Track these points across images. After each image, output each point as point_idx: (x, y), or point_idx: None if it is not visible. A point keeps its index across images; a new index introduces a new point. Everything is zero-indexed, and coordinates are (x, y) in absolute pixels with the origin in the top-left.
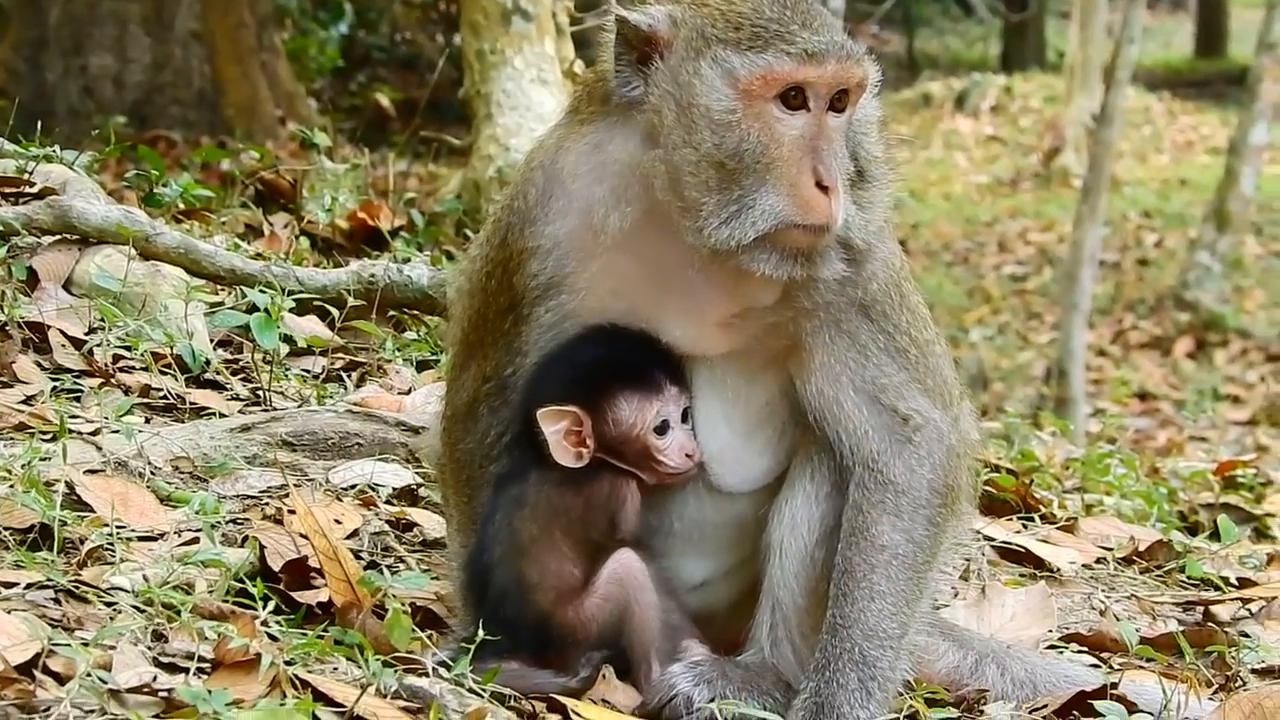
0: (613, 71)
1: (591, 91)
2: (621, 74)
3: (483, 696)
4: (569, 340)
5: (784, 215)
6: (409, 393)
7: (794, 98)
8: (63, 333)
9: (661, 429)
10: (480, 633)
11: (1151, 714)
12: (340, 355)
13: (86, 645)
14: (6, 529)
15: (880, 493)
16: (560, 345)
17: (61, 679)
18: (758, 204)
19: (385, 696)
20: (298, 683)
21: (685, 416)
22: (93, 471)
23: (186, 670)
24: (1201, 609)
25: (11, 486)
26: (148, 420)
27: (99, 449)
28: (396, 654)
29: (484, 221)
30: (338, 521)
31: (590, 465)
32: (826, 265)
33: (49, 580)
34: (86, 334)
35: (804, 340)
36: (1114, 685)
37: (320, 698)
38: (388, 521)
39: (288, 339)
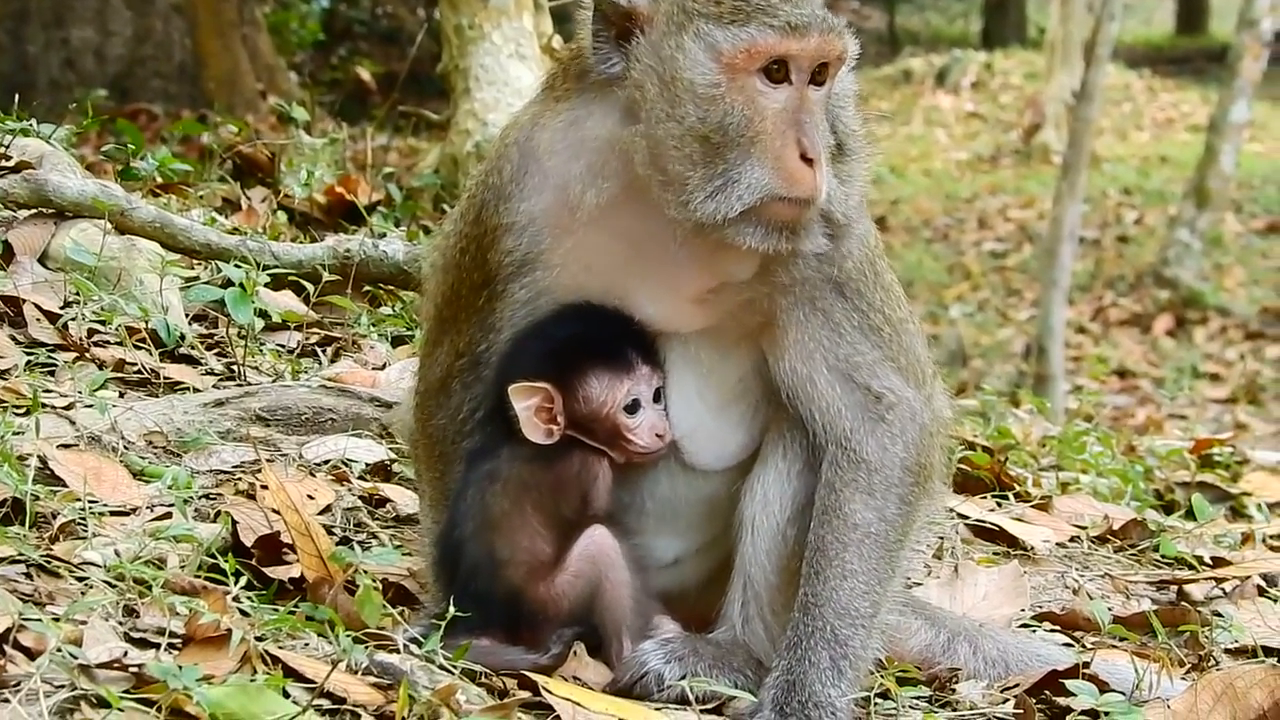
0: (590, 48)
1: (568, 68)
2: (600, 51)
3: (453, 673)
4: (543, 317)
5: (769, 188)
6: (383, 368)
7: (776, 71)
8: (37, 306)
9: (632, 408)
10: (451, 609)
11: (1123, 693)
12: (315, 330)
13: (57, 620)
14: None
15: (853, 471)
16: (534, 322)
17: (32, 654)
18: (743, 177)
19: (356, 672)
20: (268, 658)
21: (657, 396)
22: (66, 446)
23: (157, 646)
24: (1175, 588)
25: None
26: (122, 395)
27: (72, 423)
28: (367, 630)
29: (459, 197)
30: (310, 497)
31: (561, 443)
32: (810, 238)
33: (20, 555)
34: (61, 308)
35: (778, 317)
36: (1086, 664)
37: (291, 673)
38: (360, 497)
39: (263, 314)
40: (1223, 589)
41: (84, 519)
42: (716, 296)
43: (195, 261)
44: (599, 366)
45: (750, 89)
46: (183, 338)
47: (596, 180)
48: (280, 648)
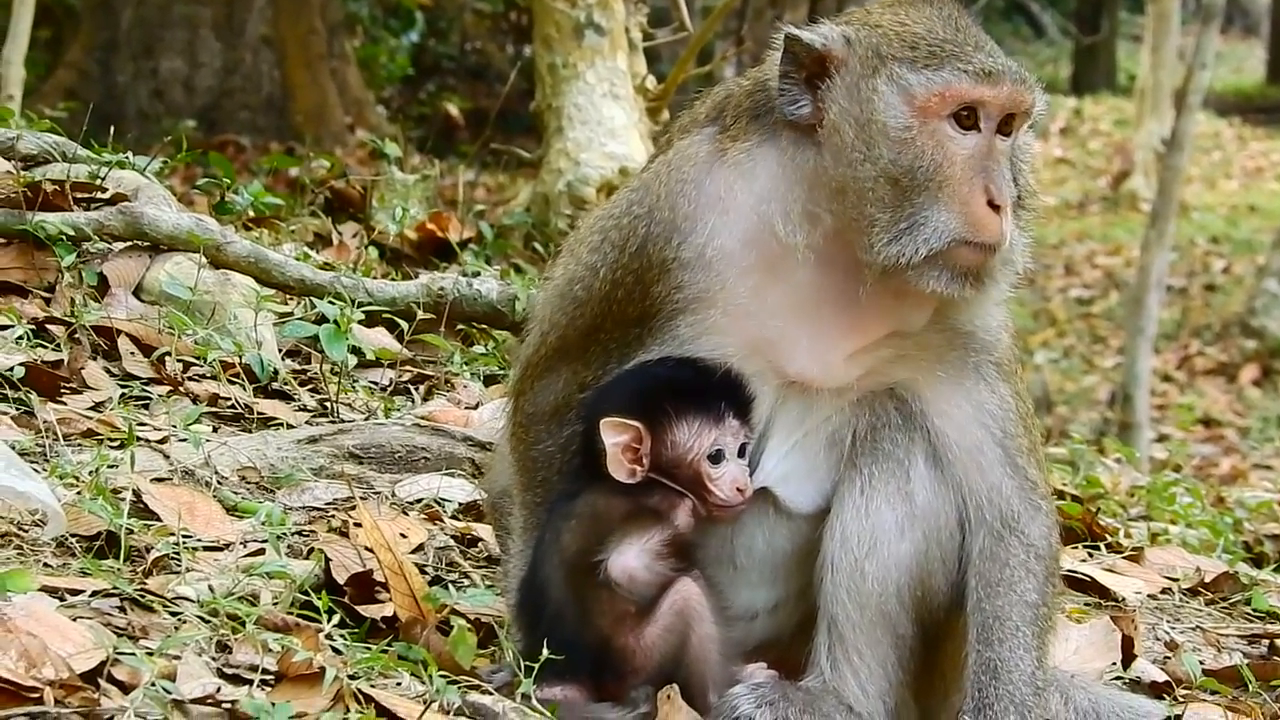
0: (778, 89)
1: (740, 104)
2: (788, 93)
3: (547, 716)
4: (646, 359)
5: (955, 232)
6: (476, 407)
7: (966, 117)
8: (132, 339)
9: (716, 458)
10: (544, 651)
11: None
12: (408, 368)
13: (151, 655)
14: (74, 536)
15: (1022, 552)
16: (635, 363)
17: (126, 688)
18: (930, 221)
19: (448, 713)
20: (361, 697)
21: (742, 451)
22: (160, 480)
23: (250, 682)
24: (1267, 642)
25: (79, 493)
26: (215, 429)
27: (166, 457)
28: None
29: (586, 232)
30: (403, 535)
31: (644, 483)
32: (995, 287)
33: (115, 588)
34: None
35: (942, 379)
36: (1178, 717)
37: (383, 713)
38: (453, 536)
39: (356, 351)
40: None
41: (178, 553)
42: (871, 354)
43: (289, 297)
44: (689, 412)
45: (940, 134)
46: (276, 373)
47: (806, 222)
48: (373, 687)
